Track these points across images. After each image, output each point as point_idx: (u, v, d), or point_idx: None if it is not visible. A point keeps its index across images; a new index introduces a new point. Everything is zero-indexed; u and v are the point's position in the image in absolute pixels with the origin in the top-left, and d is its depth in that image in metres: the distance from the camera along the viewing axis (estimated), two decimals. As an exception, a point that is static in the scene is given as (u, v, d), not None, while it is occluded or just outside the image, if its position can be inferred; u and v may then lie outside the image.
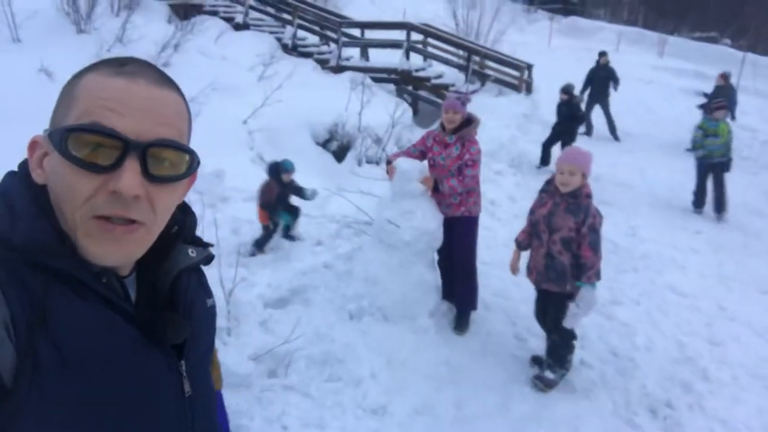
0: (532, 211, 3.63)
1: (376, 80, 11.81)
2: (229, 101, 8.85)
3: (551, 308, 3.54)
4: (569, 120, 8.65)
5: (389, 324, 3.88)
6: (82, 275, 0.73)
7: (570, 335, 3.61)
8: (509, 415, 3.37)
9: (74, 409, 0.70)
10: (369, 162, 8.99)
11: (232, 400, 2.89)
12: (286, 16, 13.29)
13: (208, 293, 0.98)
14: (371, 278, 3.94)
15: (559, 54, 20.11)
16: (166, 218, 0.81)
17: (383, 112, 9.47)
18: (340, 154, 9.19)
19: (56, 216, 0.75)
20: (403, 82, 12.09)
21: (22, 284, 0.69)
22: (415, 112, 11.98)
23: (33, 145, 0.76)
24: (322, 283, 4.41)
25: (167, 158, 0.76)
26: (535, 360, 3.84)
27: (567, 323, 3.38)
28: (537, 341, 4.02)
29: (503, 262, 5.09)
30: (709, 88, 12.00)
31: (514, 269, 3.83)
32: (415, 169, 3.78)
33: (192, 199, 7.44)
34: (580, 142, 9.58)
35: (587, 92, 11.40)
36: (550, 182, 3.52)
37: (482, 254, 4.73)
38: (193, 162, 0.79)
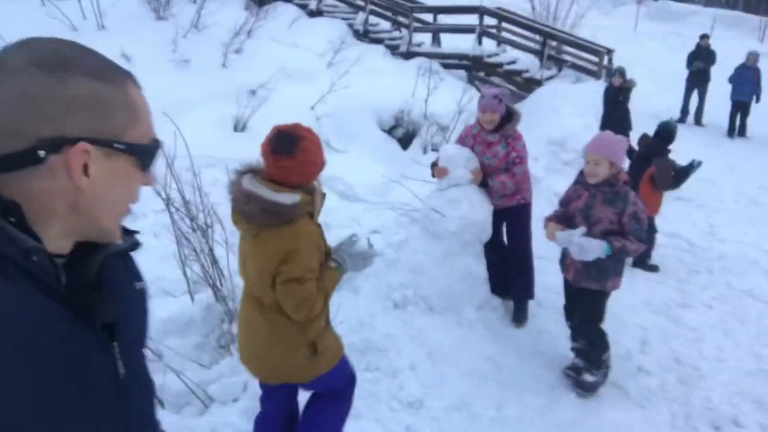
0: (564, 203, 3.36)
1: (446, 66, 11.60)
2: (297, 87, 8.95)
3: (582, 304, 3.29)
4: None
5: (434, 315, 3.78)
6: (11, 251, 0.70)
7: (597, 336, 3.35)
8: (552, 419, 3.18)
9: (4, 394, 0.68)
10: (434, 150, 8.84)
11: (265, 383, 2.89)
12: (359, 2, 13.28)
13: (138, 277, 0.99)
14: (416, 268, 3.85)
15: (646, 39, 18.99)
16: None
17: (451, 99, 9.28)
18: (405, 141, 9.11)
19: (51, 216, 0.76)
20: (475, 69, 11.80)
21: None
22: (487, 99, 11.68)
23: (82, 153, 0.74)
24: (372, 270, 4.35)
25: None
26: (571, 369, 3.51)
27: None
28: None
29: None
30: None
31: (551, 236, 3.30)
32: (461, 155, 3.63)
33: (256, 182, 7.54)
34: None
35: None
36: (583, 173, 3.26)
37: (539, 248, 4.52)
38: None
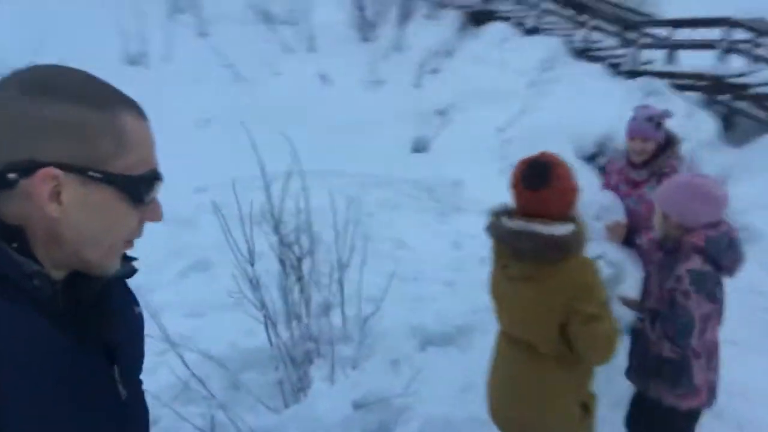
0: None
1: (679, 87, 9.97)
2: (488, 108, 8.47)
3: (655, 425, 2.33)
4: None
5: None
6: (12, 273, 0.71)
7: None
8: None
9: (9, 414, 0.67)
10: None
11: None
12: (581, 17, 12.23)
13: (135, 302, 1.00)
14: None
15: None
16: None
17: (676, 126, 7.88)
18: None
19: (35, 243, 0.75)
20: (714, 91, 9.91)
21: None
22: (729, 127, 9.73)
23: (49, 178, 0.71)
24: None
25: None
26: None
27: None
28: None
29: (729, 332, 3.57)
30: None
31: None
32: (597, 201, 2.82)
33: (427, 206, 7.23)
34: None
35: None
36: None
37: (727, 332, 3.37)
38: None
